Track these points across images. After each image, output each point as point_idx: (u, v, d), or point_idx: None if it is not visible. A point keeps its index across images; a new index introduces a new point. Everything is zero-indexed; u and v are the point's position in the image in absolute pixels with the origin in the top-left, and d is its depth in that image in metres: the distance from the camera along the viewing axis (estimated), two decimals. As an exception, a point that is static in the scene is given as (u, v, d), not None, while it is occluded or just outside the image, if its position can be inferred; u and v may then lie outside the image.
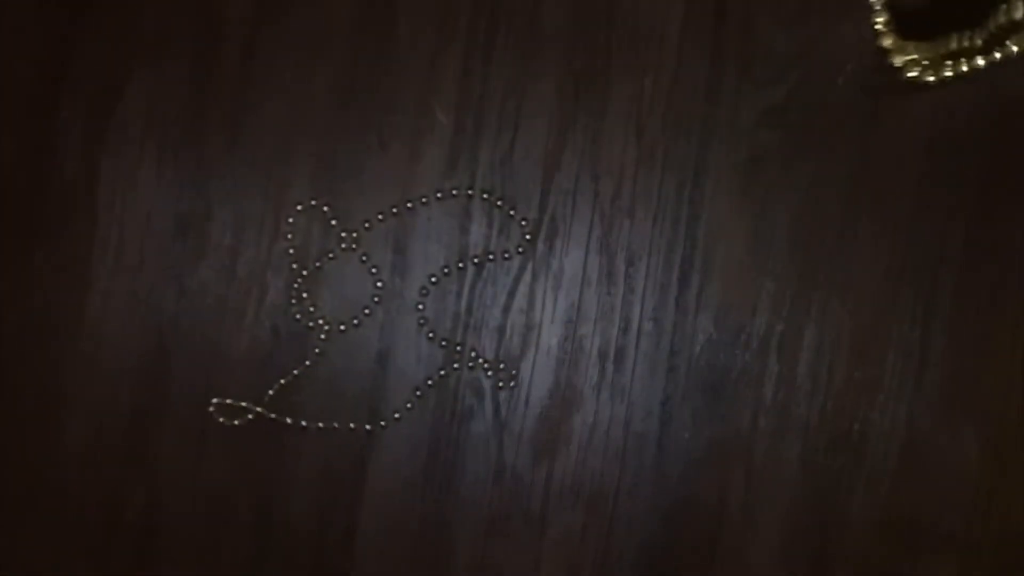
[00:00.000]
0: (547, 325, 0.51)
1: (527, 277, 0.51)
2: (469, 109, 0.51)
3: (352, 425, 0.51)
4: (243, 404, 0.51)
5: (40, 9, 0.51)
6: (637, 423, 0.51)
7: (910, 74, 0.47)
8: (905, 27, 0.47)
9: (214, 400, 0.51)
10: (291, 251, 0.51)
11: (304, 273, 0.51)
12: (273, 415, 0.51)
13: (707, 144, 0.50)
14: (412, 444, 0.51)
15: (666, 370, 0.51)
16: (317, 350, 0.51)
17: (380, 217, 0.51)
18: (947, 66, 0.46)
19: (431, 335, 0.51)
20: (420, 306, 0.51)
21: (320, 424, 0.51)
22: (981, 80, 0.47)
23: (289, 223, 0.51)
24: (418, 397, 0.51)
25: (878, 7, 0.46)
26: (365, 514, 0.51)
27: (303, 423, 0.51)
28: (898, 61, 0.47)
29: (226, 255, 0.51)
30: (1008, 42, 0.44)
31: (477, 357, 0.51)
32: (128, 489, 0.51)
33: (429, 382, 0.51)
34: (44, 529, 0.51)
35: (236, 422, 0.51)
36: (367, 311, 0.51)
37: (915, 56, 0.47)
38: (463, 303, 0.51)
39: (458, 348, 0.51)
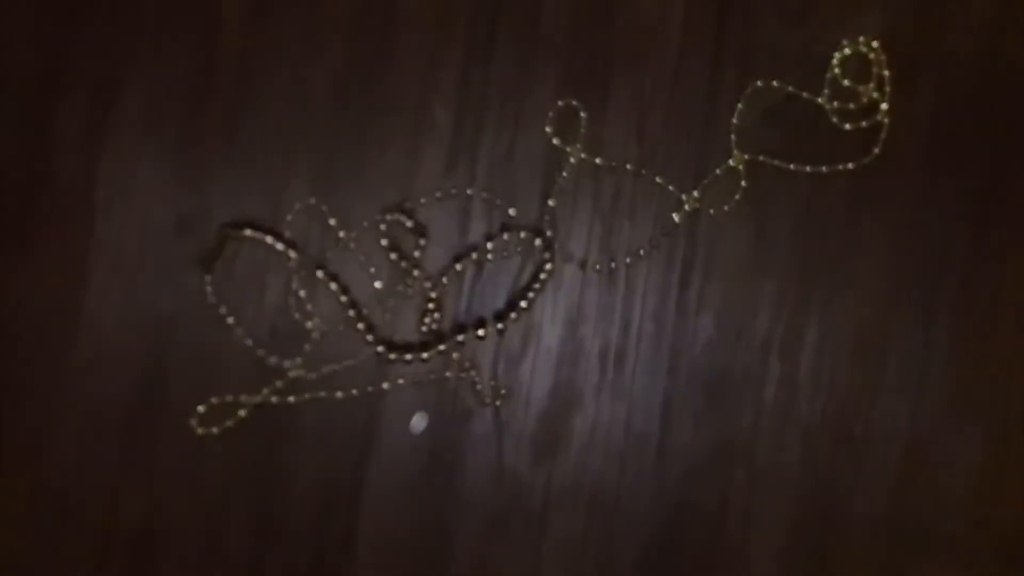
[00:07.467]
0: (547, 325, 0.51)
1: (527, 277, 0.51)
2: (469, 109, 0.51)
3: (351, 426, 0.51)
4: (241, 404, 0.51)
5: (38, 7, 0.51)
6: (637, 424, 0.51)
7: None
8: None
9: (212, 400, 0.51)
10: (290, 250, 0.51)
11: (303, 273, 0.51)
12: (271, 416, 0.51)
13: (707, 144, 0.51)
14: (412, 444, 0.51)
15: (666, 371, 0.51)
16: (314, 350, 0.51)
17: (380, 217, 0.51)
18: None
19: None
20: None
21: (319, 425, 0.51)
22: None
23: (289, 223, 0.51)
24: (417, 397, 0.51)
25: None
26: (365, 515, 0.51)
27: (302, 423, 0.51)
28: None
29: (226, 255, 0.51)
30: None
31: (470, 368, 0.50)
32: (126, 490, 0.51)
33: (430, 378, 0.51)
34: (41, 531, 0.51)
35: (230, 423, 0.51)
36: (367, 311, 0.51)
37: None
38: (463, 303, 0.51)
39: (455, 355, 0.51)
